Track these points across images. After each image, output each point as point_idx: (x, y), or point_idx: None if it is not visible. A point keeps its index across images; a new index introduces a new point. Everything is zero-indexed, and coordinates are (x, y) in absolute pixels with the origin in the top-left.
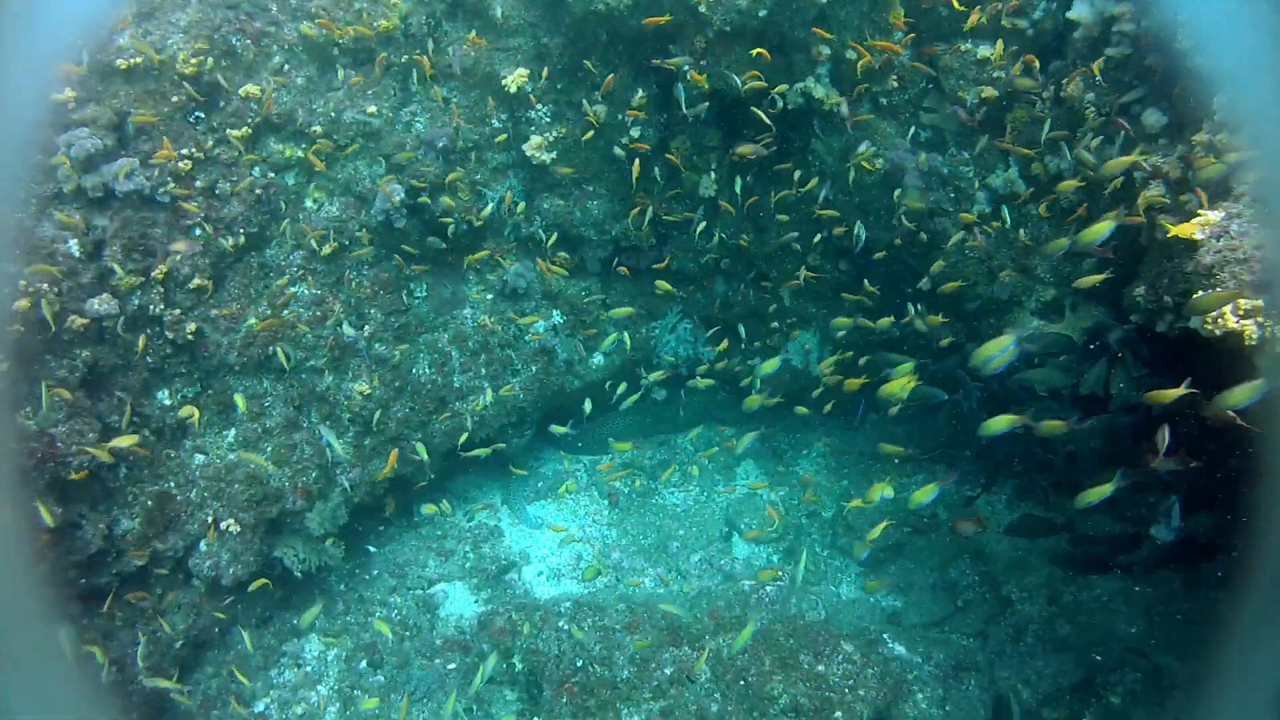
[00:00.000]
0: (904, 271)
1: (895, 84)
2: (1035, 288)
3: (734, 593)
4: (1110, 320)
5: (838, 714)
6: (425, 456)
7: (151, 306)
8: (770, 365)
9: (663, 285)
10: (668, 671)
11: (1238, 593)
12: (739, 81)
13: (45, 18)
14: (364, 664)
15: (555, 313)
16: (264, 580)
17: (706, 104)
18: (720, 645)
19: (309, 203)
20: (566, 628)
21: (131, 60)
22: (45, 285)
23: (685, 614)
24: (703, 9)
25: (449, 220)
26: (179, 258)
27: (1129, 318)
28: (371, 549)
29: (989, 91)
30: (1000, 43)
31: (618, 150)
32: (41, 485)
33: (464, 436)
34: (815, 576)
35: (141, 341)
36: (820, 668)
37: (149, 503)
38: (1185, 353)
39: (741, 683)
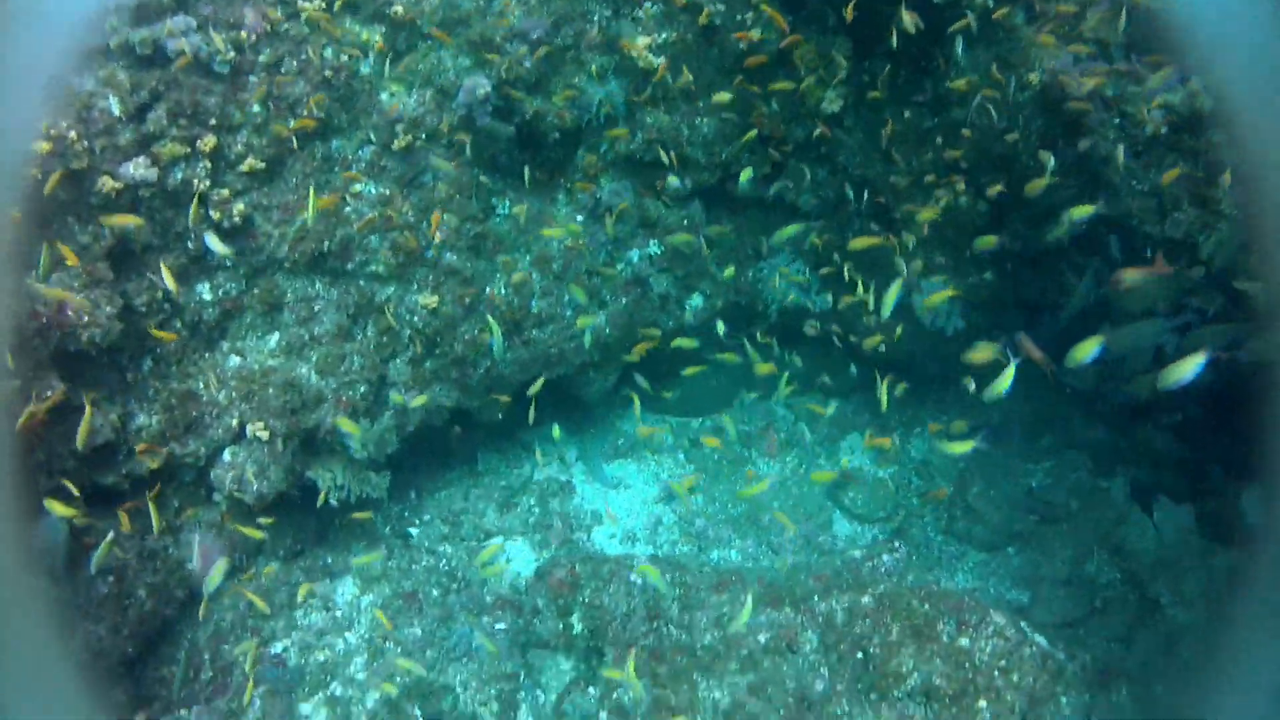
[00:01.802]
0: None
1: None
2: (1219, 226)
3: (842, 562)
4: None
5: (982, 703)
6: (498, 337)
7: (196, 181)
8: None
9: None
10: (762, 639)
11: None
12: None
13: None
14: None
15: (652, 242)
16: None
17: None
18: (834, 607)
19: (384, 95)
20: (638, 581)
21: None
22: (72, 134)
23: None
24: None
25: (542, 123)
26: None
27: None
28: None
29: None
30: None
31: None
32: (45, 355)
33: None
34: (928, 562)
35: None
36: (964, 641)
37: (171, 400)
38: None
39: (860, 654)
